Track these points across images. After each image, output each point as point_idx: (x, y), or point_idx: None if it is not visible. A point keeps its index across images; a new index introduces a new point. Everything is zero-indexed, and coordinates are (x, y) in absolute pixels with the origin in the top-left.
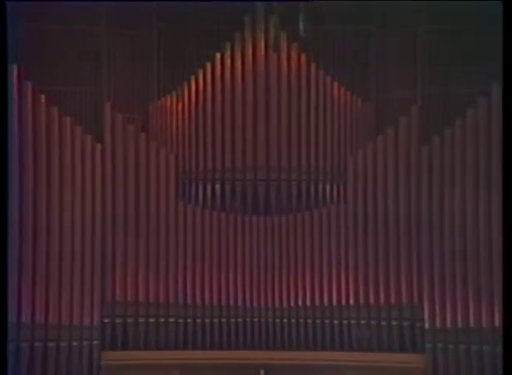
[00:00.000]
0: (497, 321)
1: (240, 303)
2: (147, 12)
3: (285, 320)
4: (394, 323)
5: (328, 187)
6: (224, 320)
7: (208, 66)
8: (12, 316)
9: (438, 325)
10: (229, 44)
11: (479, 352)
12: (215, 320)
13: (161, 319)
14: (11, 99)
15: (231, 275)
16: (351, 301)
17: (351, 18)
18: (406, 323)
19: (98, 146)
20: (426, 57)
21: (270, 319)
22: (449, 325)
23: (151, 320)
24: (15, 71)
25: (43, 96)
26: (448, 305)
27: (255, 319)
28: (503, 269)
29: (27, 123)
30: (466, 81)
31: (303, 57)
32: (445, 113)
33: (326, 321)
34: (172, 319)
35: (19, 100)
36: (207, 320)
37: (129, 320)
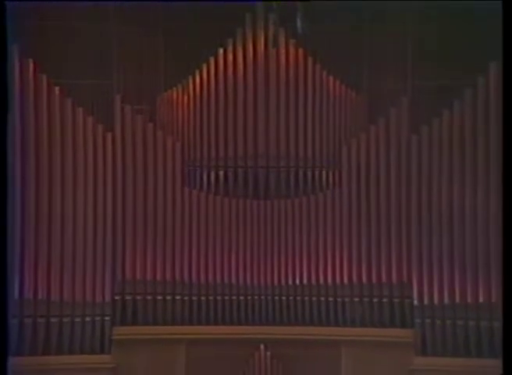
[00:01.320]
0: (481, 298)
1: (241, 282)
2: (154, 10)
3: (283, 298)
4: (385, 300)
5: (324, 174)
6: (226, 298)
7: (212, 60)
8: (28, 293)
9: (426, 302)
10: (231, 41)
11: (464, 327)
12: (218, 298)
13: (168, 297)
14: (26, 91)
15: (233, 255)
16: (345, 280)
17: (345, 16)
18: (396, 300)
19: (109, 135)
20: (416, 52)
21: (269, 297)
22: (436, 302)
23: (159, 298)
24: (31, 65)
25: (57, 88)
26: (435, 283)
27: (256, 297)
28: (503, 247)
29: (43, 113)
30: (453, 74)
31: (300, 52)
32: (433, 104)
33: (322, 299)
34: (178, 297)
35: (34, 92)
36: (210, 298)
37: (138, 298)
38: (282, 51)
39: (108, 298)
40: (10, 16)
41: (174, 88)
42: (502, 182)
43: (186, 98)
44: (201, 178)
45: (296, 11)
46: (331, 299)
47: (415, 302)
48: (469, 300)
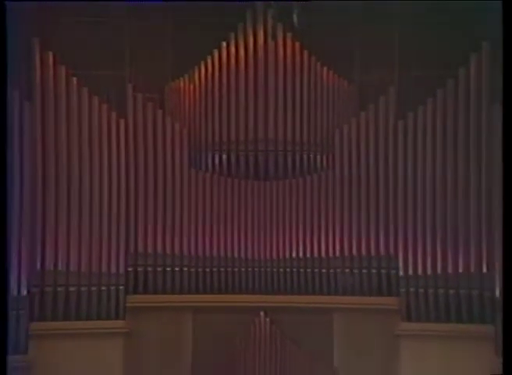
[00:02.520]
0: (461, 268)
1: (242, 255)
2: (163, 8)
3: (281, 269)
4: (373, 271)
5: (318, 157)
6: (229, 269)
7: (215, 53)
8: (49, 265)
9: (410, 272)
10: (233, 34)
11: (445, 295)
12: (222, 269)
13: (176, 268)
14: (46, 81)
15: (235, 231)
16: (337, 253)
17: (338, 12)
18: (383, 271)
19: (122, 121)
20: (402, 46)
21: (269, 269)
22: (420, 272)
23: (168, 269)
24: (50, 58)
25: (75, 78)
26: (419, 256)
27: (256, 269)
28: (504, 220)
29: (61, 100)
30: (437, 65)
31: (297, 45)
32: (418, 93)
33: (316, 270)
34: (185, 268)
35: (54, 82)
36: (215, 269)
37: (149, 269)
38: (280, 44)
39: (122, 269)
40: (33, 12)
41: (181, 78)
42: (502, 166)
43: (192, 87)
44: (206, 160)
45: (293, 8)
46: (324, 270)
47: (401, 273)
48: (450, 271)
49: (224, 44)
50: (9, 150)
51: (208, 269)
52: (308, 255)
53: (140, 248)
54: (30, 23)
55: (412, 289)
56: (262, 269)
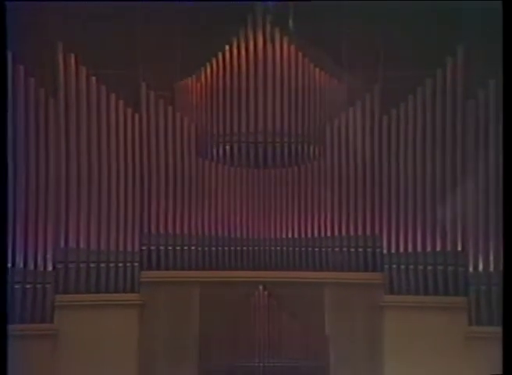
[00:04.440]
0: (438, 247)
1: (244, 235)
2: (172, 14)
3: (278, 248)
4: (360, 249)
5: (311, 147)
6: (232, 248)
7: (220, 54)
8: (72, 243)
9: (393, 251)
10: (235, 38)
11: (424, 271)
12: (226, 248)
13: (185, 247)
14: (69, 80)
15: (238, 213)
16: (328, 233)
17: (328, 18)
18: (369, 249)
19: (137, 116)
20: (386, 48)
21: (267, 248)
22: (401, 251)
23: (177, 248)
24: (72, 59)
25: (94, 78)
26: (401, 236)
27: (256, 248)
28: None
29: (82, 97)
30: (417, 66)
31: (292, 48)
32: (400, 91)
33: (309, 249)
34: (193, 247)
35: (76, 81)
36: (219, 248)
37: (161, 248)
38: (278, 47)
39: (136, 247)
40: (55, 18)
41: (189, 78)
42: (503, 163)
43: (199, 85)
44: (212, 151)
45: (288, 12)
46: (316, 249)
47: (384, 251)
48: (428, 249)
49: (227, 46)
50: (31, 141)
51: (213, 248)
52: (302, 235)
53: (153, 229)
54: (54, 27)
55: (394, 265)
56: (261, 248)
